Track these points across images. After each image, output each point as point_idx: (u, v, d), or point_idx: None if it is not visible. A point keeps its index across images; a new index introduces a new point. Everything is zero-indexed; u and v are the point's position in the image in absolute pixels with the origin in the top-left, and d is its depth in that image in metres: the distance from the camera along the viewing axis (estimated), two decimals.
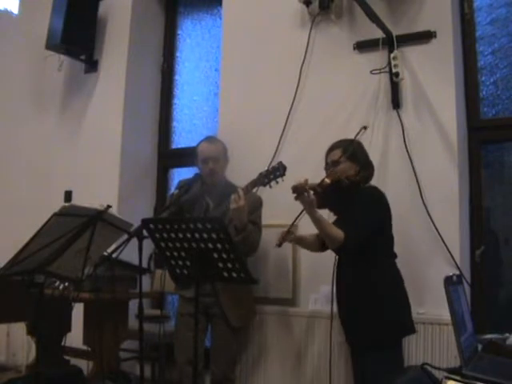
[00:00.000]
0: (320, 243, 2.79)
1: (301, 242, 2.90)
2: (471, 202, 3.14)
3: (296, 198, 2.38)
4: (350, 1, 3.32)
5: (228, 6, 3.86)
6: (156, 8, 4.46)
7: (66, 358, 3.38)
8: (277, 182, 2.72)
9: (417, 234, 2.96)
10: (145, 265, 2.83)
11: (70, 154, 4.30)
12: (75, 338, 3.20)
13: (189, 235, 2.33)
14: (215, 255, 2.33)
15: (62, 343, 3.08)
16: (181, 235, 2.35)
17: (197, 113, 4.31)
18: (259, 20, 3.66)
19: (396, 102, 3.14)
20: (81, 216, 2.24)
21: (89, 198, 2.58)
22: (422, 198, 2.98)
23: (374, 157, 2.95)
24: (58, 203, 2.44)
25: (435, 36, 3.08)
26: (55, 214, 2.17)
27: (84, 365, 3.24)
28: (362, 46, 3.29)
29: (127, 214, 2.66)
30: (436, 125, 3.05)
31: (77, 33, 4.13)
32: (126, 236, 2.49)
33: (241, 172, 3.08)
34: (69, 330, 3.12)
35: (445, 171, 2.98)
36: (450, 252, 2.91)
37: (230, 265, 2.34)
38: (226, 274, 2.37)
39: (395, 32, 3.13)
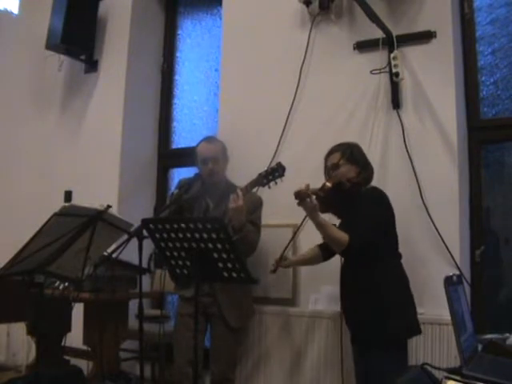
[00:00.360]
0: (322, 253, 2.80)
1: (297, 263, 2.94)
2: (471, 202, 3.14)
3: (299, 204, 2.38)
4: (350, 1, 3.32)
5: (228, 6, 3.86)
6: (156, 8, 4.46)
7: (66, 357, 3.38)
8: (276, 183, 2.73)
9: (417, 234, 2.96)
10: (145, 265, 2.83)
11: (70, 154, 4.30)
12: (75, 338, 3.20)
13: (189, 235, 2.33)
14: (215, 255, 2.33)
15: (62, 343, 3.08)
16: (181, 235, 2.34)
17: (197, 113, 4.31)
18: (259, 20, 3.66)
19: (396, 102, 3.14)
20: (81, 216, 2.24)
21: (89, 198, 2.59)
22: (421, 198, 2.98)
23: (374, 157, 2.95)
24: (58, 203, 2.44)
25: (435, 36, 3.08)
26: (55, 214, 2.18)
27: (84, 365, 3.24)
28: (362, 46, 3.29)
29: (127, 214, 2.65)
30: (436, 125, 3.05)
31: (77, 33, 4.13)
32: (125, 236, 2.49)
33: (241, 172, 3.08)
34: (69, 330, 3.12)
35: (445, 171, 2.98)
36: (450, 252, 2.91)
37: (229, 265, 2.34)
38: (225, 274, 2.36)
39: (395, 32, 3.12)
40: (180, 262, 2.45)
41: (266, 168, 2.78)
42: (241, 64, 3.69)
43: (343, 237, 2.37)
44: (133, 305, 3.21)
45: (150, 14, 4.41)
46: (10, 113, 4.74)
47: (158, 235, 2.41)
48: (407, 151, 3.05)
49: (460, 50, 3.21)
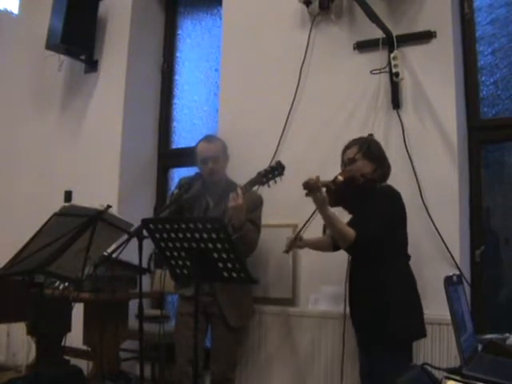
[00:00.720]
0: (333, 243, 2.76)
1: (311, 245, 2.87)
2: (471, 202, 3.14)
3: (307, 195, 2.33)
4: (350, 1, 3.32)
5: (228, 6, 3.86)
6: (156, 8, 4.46)
7: (66, 357, 3.38)
8: (275, 182, 2.73)
9: (417, 234, 2.96)
10: (145, 265, 2.83)
11: (70, 154, 4.30)
12: (75, 338, 3.20)
13: (189, 235, 2.33)
14: (215, 255, 2.33)
15: (62, 343, 3.08)
16: (181, 235, 2.34)
17: (197, 113, 4.31)
18: (259, 20, 3.66)
19: (396, 102, 3.14)
20: (81, 216, 2.24)
21: (89, 198, 2.59)
22: (421, 198, 2.98)
23: None
24: (58, 203, 2.44)
25: (435, 36, 3.08)
26: (55, 214, 2.18)
27: (84, 365, 3.24)
28: (362, 46, 3.29)
29: (127, 214, 2.66)
30: (436, 125, 3.05)
31: (77, 33, 4.13)
32: (126, 236, 2.49)
33: (241, 172, 3.08)
34: (69, 330, 3.12)
35: (445, 171, 2.98)
36: (450, 252, 2.91)
37: (229, 265, 2.34)
38: (225, 274, 2.36)
39: (395, 32, 3.12)
40: (180, 262, 2.45)
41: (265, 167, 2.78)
42: (241, 64, 3.68)
43: (350, 233, 2.35)
44: (133, 305, 3.21)
45: (150, 14, 4.41)
46: (10, 113, 4.74)
47: (157, 235, 2.41)
48: (407, 151, 3.05)
49: (460, 50, 3.21)
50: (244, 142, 3.47)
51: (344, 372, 3.00)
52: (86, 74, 4.36)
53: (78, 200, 3.76)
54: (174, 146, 4.40)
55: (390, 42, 3.11)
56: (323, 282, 3.22)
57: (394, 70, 3.06)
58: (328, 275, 3.21)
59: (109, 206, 2.30)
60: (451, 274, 1.81)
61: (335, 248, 2.76)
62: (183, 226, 2.32)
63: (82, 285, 2.64)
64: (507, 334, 2.10)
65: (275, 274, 3.35)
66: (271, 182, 2.75)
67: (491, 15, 3.23)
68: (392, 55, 3.07)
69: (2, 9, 4.73)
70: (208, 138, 3.13)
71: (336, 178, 2.39)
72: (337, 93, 3.32)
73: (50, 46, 4.17)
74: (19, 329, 3.71)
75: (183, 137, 4.36)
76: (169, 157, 4.37)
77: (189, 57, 4.41)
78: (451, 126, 3.02)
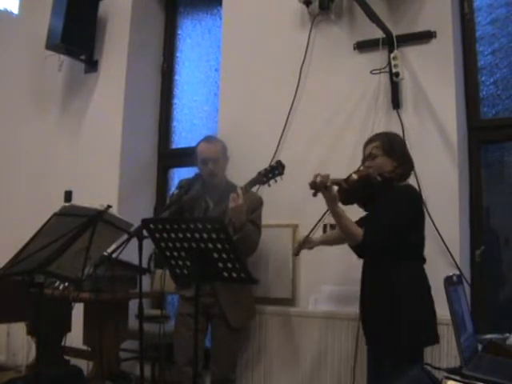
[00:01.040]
0: None
1: (323, 243, 2.81)
2: (471, 201, 3.14)
3: (314, 195, 2.28)
4: (350, 1, 3.32)
5: (228, 6, 3.86)
6: (156, 8, 4.46)
7: (66, 357, 3.38)
8: (276, 181, 2.73)
9: None
10: (145, 265, 2.83)
11: (70, 154, 4.30)
12: (75, 338, 3.20)
13: (189, 235, 2.33)
14: (215, 255, 2.33)
15: (62, 343, 3.08)
16: (181, 235, 2.34)
17: (197, 113, 4.31)
18: (259, 20, 3.66)
19: (396, 102, 3.14)
20: (81, 216, 2.24)
21: (89, 198, 2.58)
22: None
23: None
24: (58, 203, 2.44)
25: (435, 36, 3.09)
26: (55, 214, 2.17)
27: (84, 365, 3.24)
28: (362, 46, 3.29)
29: (127, 214, 2.65)
30: (436, 125, 3.05)
31: (77, 33, 4.12)
32: (125, 236, 2.49)
33: (241, 172, 3.08)
34: (69, 330, 3.12)
35: (445, 171, 2.98)
36: (450, 252, 2.91)
37: (230, 265, 2.34)
38: (226, 274, 2.36)
39: (395, 32, 3.13)
40: (180, 262, 2.45)
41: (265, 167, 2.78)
42: (241, 64, 3.69)
43: (358, 232, 2.30)
44: (133, 305, 3.21)
45: (150, 14, 4.41)
46: (9, 113, 4.74)
47: (158, 235, 2.41)
48: None
49: (460, 49, 3.21)
50: (244, 141, 3.47)
51: (344, 372, 3.00)
52: (86, 74, 4.36)
53: (77, 200, 3.76)
54: (174, 146, 4.40)
55: (390, 42, 3.12)
56: (323, 282, 3.22)
57: (394, 70, 3.06)
58: (328, 275, 3.22)
59: (109, 206, 2.29)
60: (451, 273, 1.81)
61: None
62: (183, 226, 2.32)
63: (82, 285, 2.63)
64: (507, 334, 2.10)
65: (275, 274, 3.35)
66: (271, 182, 2.75)
67: (491, 15, 3.23)
68: (392, 55, 3.07)
69: (2, 9, 4.73)
70: (208, 139, 3.13)
71: (350, 176, 2.33)
72: (337, 93, 3.32)
73: (49, 45, 4.17)
74: (19, 329, 3.71)
75: (183, 137, 4.36)
76: (169, 157, 4.37)
77: (189, 57, 4.41)
78: (451, 126, 3.02)
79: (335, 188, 2.31)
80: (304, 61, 3.43)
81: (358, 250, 2.38)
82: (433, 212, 2.94)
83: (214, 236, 2.28)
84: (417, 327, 2.27)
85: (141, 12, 4.33)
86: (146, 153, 4.32)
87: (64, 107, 4.46)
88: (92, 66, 4.32)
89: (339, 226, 2.39)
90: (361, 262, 2.53)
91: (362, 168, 2.45)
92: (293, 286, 3.32)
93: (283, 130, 3.45)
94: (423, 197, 2.96)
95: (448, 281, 1.68)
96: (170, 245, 2.41)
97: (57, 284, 2.71)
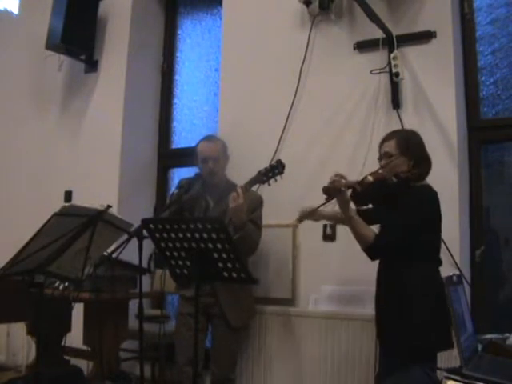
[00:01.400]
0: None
1: (330, 217, 2.68)
2: (471, 201, 3.14)
3: (328, 200, 2.25)
4: (350, 1, 3.32)
5: (228, 6, 3.86)
6: (156, 8, 4.46)
7: (66, 357, 3.38)
8: (276, 180, 2.72)
9: None
10: (145, 265, 2.83)
11: (70, 154, 4.30)
12: (75, 338, 3.20)
13: (189, 235, 2.33)
14: (215, 255, 2.33)
15: (62, 343, 3.08)
16: (181, 235, 2.34)
17: (197, 113, 4.31)
18: (259, 20, 3.66)
19: (396, 102, 3.14)
20: (81, 216, 2.24)
21: (89, 198, 2.58)
22: None
23: (374, 157, 2.94)
24: (58, 203, 2.44)
25: (435, 36, 3.09)
26: (55, 214, 2.17)
27: (84, 365, 3.25)
28: (362, 46, 3.29)
29: (127, 214, 2.65)
30: (436, 125, 3.05)
31: (77, 33, 4.12)
32: (126, 236, 2.49)
33: (241, 172, 3.08)
34: (69, 330, 3.13)
35: (445, 171, 2.98)
36: (450, 252, 2.90)
37: (230, 265, 2.34)
38: (226, 274, 2.36)
39: (395, 32, 3.13)
40: (180, 262, 2.45)
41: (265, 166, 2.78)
42: (241, 64, 3.68)
43: (370, 235, 2.26)
44: (133, 305, 3.21)
45: (150, 14, 4.41)
46: (9, 113, 4.74)
47: (158, 235, 2.41)
48: None
49: (460, 50, 3.21)
50: (244, 141, 3.47)
51: (343, 372, 3.00)
52: (86, 74, 4.36)
53: (77, 200, 3.75)
54: (174, 146, 4.40)
55: (390, 42, 3.12)
56: (323, 282, 3.22)
57: (394, 70, 3.06)
58: (328, 275, 3.22)
59: (109, 206, 2.29)
60: (451, 273, 1.81)
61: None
62: (183, 226, 2.32)
63: (82, 285, 2.63)
64: (507, 334, 2.10)
65: (275, 274, 3.35)
66: (272, 181, 2.74)
67: (491, 15, 3.23)
68: (392, 55, 3.07)
69: (2, 9, 4.73)
70: (208, 138, 3.13)
71: (365, 178, 2.28)
72: (337, 93, 3.32)
73: (49, 45, 4.17)
74: (19, 329, 3.72)
75: (183, 137, 4.36)
76: (169, 157, 4.37)
77: (189, 57, 4.41)
78: (451, 126, 3.02)
79: (349, 191, 2.27)
80: (304, 61, 3.43)
81: (370, 251, 2.31)
82: None
83: (213, 236, 2.28)
84: (428, 328, 2.21)
85: (141, 12, 4.33)
86: (146, 153, 4.32)
87: (64, 107, 4.46)
88: (92, 66, 4.32)
89: (351, 229, 2.34)
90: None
91: (375, 171, 2.36)
92: (293, 286, 3.32)
93: (283, 130, 3.45)
94: None
95: (448, 281, 1.69)
96: (170, 245, 2.41)
97: (57, 284, 2.71)
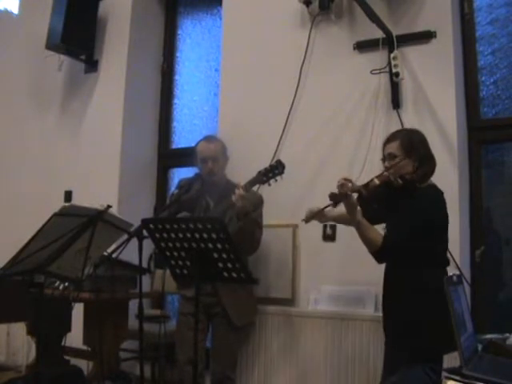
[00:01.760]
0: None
1: (337, 218, 2.68)
2: (471, 202, 3.14)
3: (334, 206, 2.25)
4: (350, 1, 3.32)
5: (228, 6, 3.86)
6: (156, 8, 4.46)
7: (66, 357, 3.38)
8: (276, 180, 2.72)
9: None
10: (145, 265, 2.83)
11: (70, 154, 4.30)
12: (75, 338, 3.20)
13: (189, 235, 2.33)
14: (215, 255, 2.33)
15: (62, 343, 3.08)
16: (181, 235, 2.34)
17: (197, 113, 4.31)
18: (259, 20, 3.66)
19: (396, 102, 3.14)
20: (81, 216, 2.24)
21: (89, 198, 2.59)
22: None
23: (374, 157, 2.95)
24: (58, 203, 2.44)
25: (435, 36, 3.09)
26: (55, 214, 2.18)
27: (84, 365, 3.24)
28: (362, 46, 3.29)
29: (127, 214, 2.65)
30: (436, 125, 3.05)
31: (77, 33, 4.13)
32: (126, 236, 2.49)
33: (241, 172, 3.08)
34: (69, 330, 3.12)
35: (445, 171, 2.97)
36: (450, 252, 2.90)
37: (230, 265, 2.34)
38: (226, 274, 2.36)
39: (395, 32, 3.13)
40: (180, 262, 2.45)
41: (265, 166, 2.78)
42: (241, 64, 3.68)
43: (378, 238, 2.24)
44: (133, 305, 3.21)
45: (150, 13, 4.41)
46: (10, 113, 4.74)
47: (157, 235, 2.41)
48: None
49: (460, 50, 3.21)
50: (244, 141, 3.47)
51: (343, 372, 3.00)
52: (86, 74, 4.36)
53: (77, 200, 3.76)
54: (174, 146, 4.40)
55: (390, 42, 3.12)
56: (323, 282, 3.22)
57: (393, 70, 3.06)
58: (328, 275, 3.22)
59: (109, 206, 2.29)
60: (451, 274, 1.81)
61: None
62: (183, 226, 2.32)
63: (82, 285, 2.63)
64: (507, 334, 2.10)
65: (275, 274, 3.35)
66: (272, 181, 2.74)
67: (491, 15, 3.23)
68: (392, 55, 3.07)
69: (2, 9, 4.74)
70: (208, 138, 3.13)
71: (372, 180, 2.26)
72: (337, 93, 3.32)
73: (50, 45, 4.17)
74: (19, 329, 3.71)
75: (183, 137, 4.36)
76: (169, 157, 4.37)
77: (189, 57, 4.41)
78: (451, 126, 3.02)
79: (355, 195, 2.26)
80: (304, 61, 3.43)
81: (377, 255, 2.29)
82: None
83: (213, 236, 2.28)
84: (431, 328, 2.21)
85: (141, 12, 4.33)
86: (146, 153, 4.32)
87: (64, 107, 4.46)
88: (92, 66, 4.33)
89: (358, 232, 2.32)
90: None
91: (380, 174, 2.34)
92: (293, 286, 3.32)
93: (283, 130, 3.45)
94: None
95: (448, 281, 1.69)
96: (170, 245, 2.41)
97: (57, 284, 2.71)
